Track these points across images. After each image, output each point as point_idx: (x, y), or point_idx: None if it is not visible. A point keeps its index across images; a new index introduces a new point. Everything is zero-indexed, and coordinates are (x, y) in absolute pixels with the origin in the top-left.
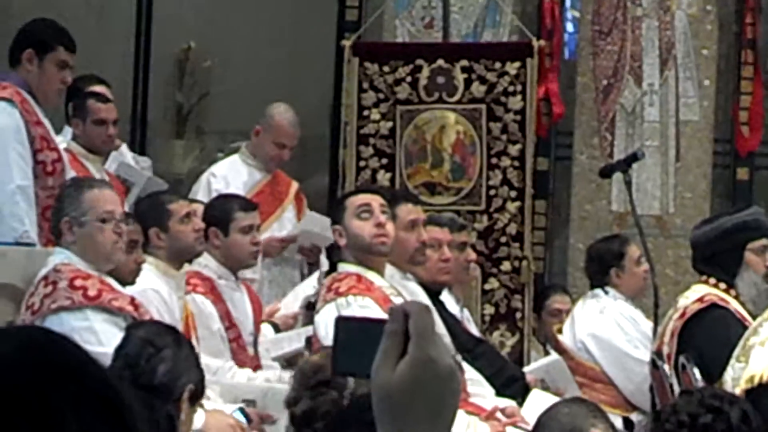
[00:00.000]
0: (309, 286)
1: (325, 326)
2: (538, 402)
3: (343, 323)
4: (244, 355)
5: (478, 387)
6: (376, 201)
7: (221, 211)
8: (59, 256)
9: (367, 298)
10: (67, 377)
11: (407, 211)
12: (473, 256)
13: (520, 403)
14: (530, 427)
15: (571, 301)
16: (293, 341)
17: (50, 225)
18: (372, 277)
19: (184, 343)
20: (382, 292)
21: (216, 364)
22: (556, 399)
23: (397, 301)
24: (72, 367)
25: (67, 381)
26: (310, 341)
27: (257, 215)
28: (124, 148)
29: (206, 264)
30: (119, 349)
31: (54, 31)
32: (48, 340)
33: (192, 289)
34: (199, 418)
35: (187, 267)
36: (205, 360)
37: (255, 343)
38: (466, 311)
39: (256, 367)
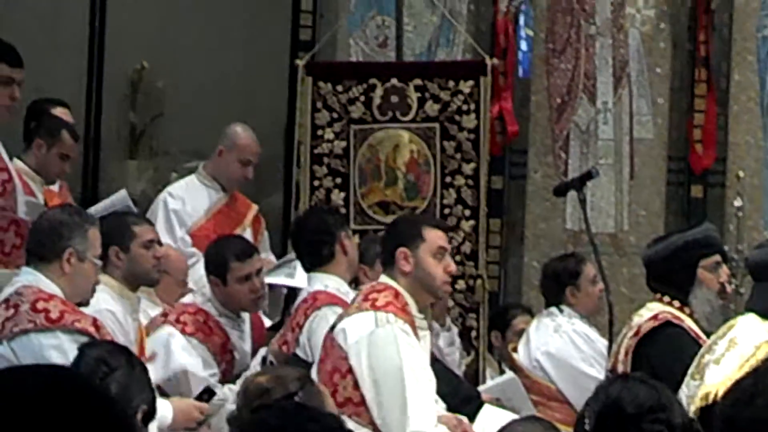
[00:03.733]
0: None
1: (356, 334)
2: (489, 418)
3: None
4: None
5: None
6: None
7: (217, 260)
8: (27, 277)
9: (406, 324)
10: (91, 416)
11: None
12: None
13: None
14: None
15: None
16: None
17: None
18: (407, 298)
19: (136, 363)
20: (411, 318)
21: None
22: (507, 414)
23: (422, 333)
24: (95, 406)
25: (92, 420)
26: (266, 360)
27: (255, 261)
28: None
29: (209, 300)
30: (73, 368)
31: None
32: (74, 381)
33: (190, 332)
34: (165, 407)
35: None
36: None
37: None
38: (455, 330)
39: None
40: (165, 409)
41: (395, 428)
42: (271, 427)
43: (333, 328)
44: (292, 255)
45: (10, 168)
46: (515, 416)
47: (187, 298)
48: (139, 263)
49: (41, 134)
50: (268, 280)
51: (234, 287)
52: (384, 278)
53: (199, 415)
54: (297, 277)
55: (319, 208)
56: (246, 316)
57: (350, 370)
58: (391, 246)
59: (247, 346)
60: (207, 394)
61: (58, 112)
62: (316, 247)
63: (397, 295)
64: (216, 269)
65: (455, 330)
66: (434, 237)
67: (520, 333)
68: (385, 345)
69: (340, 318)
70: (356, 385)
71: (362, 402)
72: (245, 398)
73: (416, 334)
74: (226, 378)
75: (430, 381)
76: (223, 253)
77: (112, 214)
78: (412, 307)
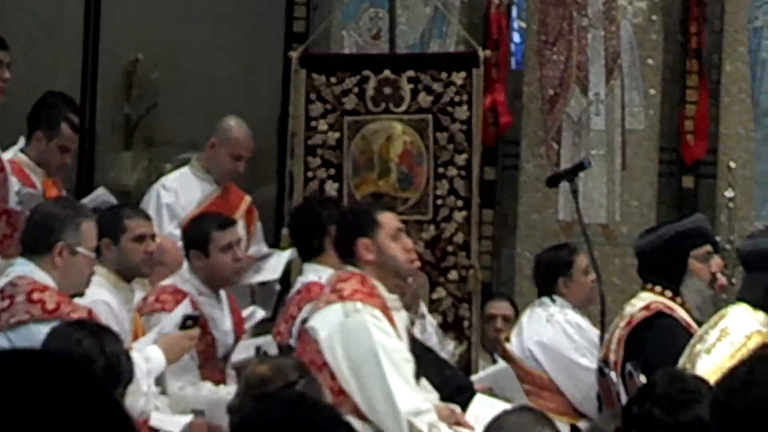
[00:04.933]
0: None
1: (328, 327)
2: (481, 406)
3: None
4: (213, 371)
5: (423, 393)
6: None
7: (198, 233)
8: (21, 268)
9: (376, 309)
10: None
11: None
12: None
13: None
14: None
15: (511, 306)
16: (243, 351)
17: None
18: (375, 282)
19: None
20: (382, 301)
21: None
22: (499, 403)
23: (396, 316)
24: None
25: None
26: (259, 350)
27: (236, 230)
28: None
29: (189, 279)
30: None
31: None
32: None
33: (161, 307)
34: (155, 352)
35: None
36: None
37: (227, 356)
38: (429, 317)
39: (222, 377)
40: (155, 354)
41: (384, 414)
42: (275, 419)
43: (305, 321)
44: (268, 250)
45: (1, 159)
46: (507, 406)
47: (167, 280)
48: (128, 257)
49: (41, 126)
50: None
51: (217, 257)
52: (347, 267)
53: (189, 342)
54: (264, 270)
55: (314, 200)
56: (224, 297)
57: (326, 363)
58: (349, 239)
59: (228, 325)
60: (190, 319)
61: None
62: (306, 239)
63: (363, 281)
64: (197, 242)
65: (429, 318)
66: (389, 220)
67: (488, 319)
68: (357, 334)
69: (312, 312)
70: (333, 377)
71: (341, 392)
72: (246, 388)
73: (390, 316)
74: (208, 359)
75: (407, 361)
76: (203, 225)
77: (110, 207)
78: (382, 290)
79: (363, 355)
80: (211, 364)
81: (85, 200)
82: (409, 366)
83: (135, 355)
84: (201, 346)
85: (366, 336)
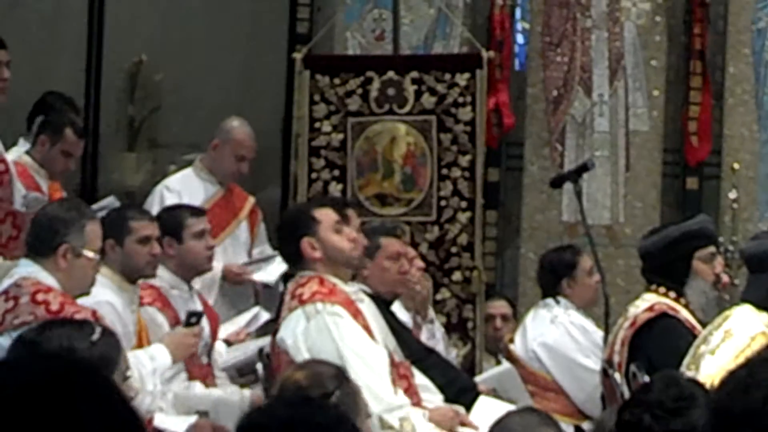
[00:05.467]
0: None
1: (293, 336)
2: (485, 407)
3: None
4: (196, 366)
5: (427, 393)
6: (349, 214)
7: (172, 220)
8: (26, 269)
9: (336, 306)
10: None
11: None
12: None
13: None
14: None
15: (510, 305)
16: (245, 352)
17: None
18: (334, 280)
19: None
20: (346, 296)
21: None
22: (503, 404)
23: (361, 306)
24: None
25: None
26: (262, 351)
27: (206, 220)
28: None
29: (159, 275)
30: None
31: None
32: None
33: (148, 302)
34: (160, 351)
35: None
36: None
37: (209, 354)
38: (437, 323)
39: (207, 376)
40: (160, 353)
41: None
42: (278, 419)
43: (275, 333)
44: (270, 251)
45: (6, 160)
46: (511, 407)
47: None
48: (132, 258)
49: (46, 131)
50: (226, 363)
51: (190, 244)
52: (303, 272)
53: (194, 339)
54: (265, 271)
55: (294, 208)
56: (195, 297)
57: None
58: (293, 242)
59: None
60: (194, 316)
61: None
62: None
63: (321, 281)
64: (172, 228)
65: (437, 323)
66: (326, 215)
67: (487, 318)
68: (320, 336)
69: (279, 322)
70: None
71: None
72: (280, 393)
73: (355, 309)
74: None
75: (377, 354)
76: (177, 213)
77: (116, 209)
78: (341, 284)
79: (328, 357)
80: (193, 361)
81: (95, 207)
82: (379, 358)
83: (140, 354)
84: None
85: (329, 339)
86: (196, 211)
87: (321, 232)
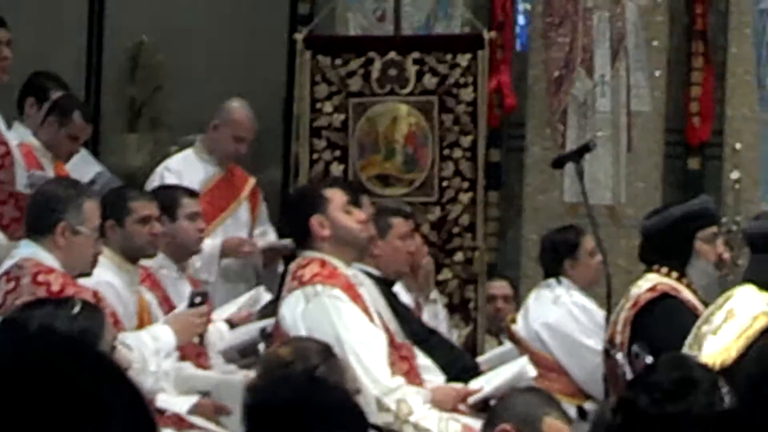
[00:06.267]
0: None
1: (292, 317)
2: (486, 377)
3: None
4: (189, 346)
5: (429, 374)
6: (363, 201)
7: (168, 198)
8: (26, 250)
9: (335, 288)
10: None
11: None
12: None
13: None
14: (482, 393)
15: (511, 286)
16: (247, 333)
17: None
18: (336, 263)
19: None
20: (346, 279)
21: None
22: (501, 373)
23: (361, 290)
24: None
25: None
26: (264, 332)
27: (199, 203)
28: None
29: None
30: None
31: None
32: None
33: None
34: (165, 332)
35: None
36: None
37: (202, 334)
38: (440, 304)
39: (199, 354)
40: (165, 334)
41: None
42: (282, 399)
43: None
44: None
45: (8, 141)
46: (510, 368)
47: None
48: (132, 239)
49: (54, 113)
50: (228, 344)
51: (183, 224)
52: (305, 253)
53: (199, 320)
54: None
55: (304, 186)
56: (185, 278)
57: None
58: (302, 219)
59: None
60: (198, 296)
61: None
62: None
63: (322, 263)
64: (167, 206)
65: (440, 304)
66: (336, 195)
67: (489, 298)
68: (319, 318)
69: (280, 303)
70: None
71: None
72: (265, 369)
73: (355, 293)
74: None
75: (375, 337)
76: (173, 191)
77: (115, 188)
78: (342, 267)
79: (326, 339)
80: None
81: (76, 171)
82: (378, 341)
83: (143, 334)
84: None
85: (327, 321)
86: (192, 193)
87: (331, 211)
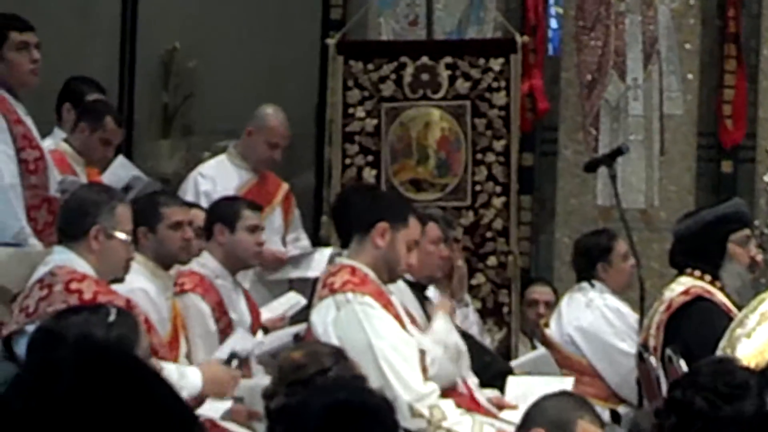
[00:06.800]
0: (281, 305)
1: (323, 324)
2: (516, 386)
3: None
4: None
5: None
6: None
7: (229, 209)
8: (60, 256)
9: (366, 296)
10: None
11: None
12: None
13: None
14: (517, 409)
15: (553, 291)
16: (281, 339)
17: (56, 221)
18: (367, 270)
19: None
20: (377, 287)
21: None
22: (533, 379)
23: (393, 298)
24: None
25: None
26: (298, 337)
27: (261, 217)
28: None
29: (204, 263)
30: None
31: None
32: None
33: (189, 288)
34: (194, 374)
35: (179, 267)
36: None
37: None
38: (472, 307)
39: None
40: (194, 376)
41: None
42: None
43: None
44: (307, 243)
45: (41, 147)
46: (541, 379)
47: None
48: (165, 244)
49: (85, 118)
50: (261, 350)
51: (242, 235)
52: (341, 260)
53: (230, 380)
54: (307, 267)
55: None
56: (240, 289)
57: None
58: (374, 216)
59: (245, 311)
60: (236, 359)
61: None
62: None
63: (353, 271)
64: (225, 216)
65: (472, 308)
66: (415, 228)
67: (531, 303)
68: (350, 326)
69: (313, 308)
70: None
71: None
72: (280, 374)
73: (387, 300)
74: (225, 337)
75: (407, 343)
76: (234, 203)
77: (146, 195)
78: (373, 275)
79: (358, 348)
80: None
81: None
82: (409, 348)
83: (171, 367)
84: (220, 326)
85: (359, 329)
86: (253, 206)
87: (401, 233)
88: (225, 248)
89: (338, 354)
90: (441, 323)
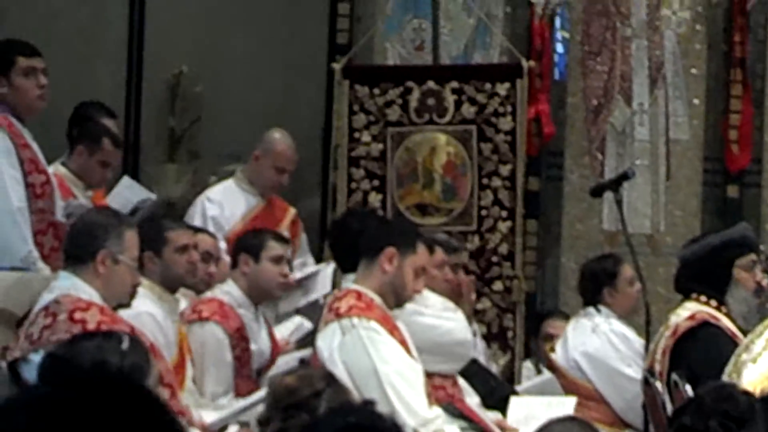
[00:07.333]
0: (286, 329)
1: (328, 349)
2: (519, 407)
3: None
4: (246, 382)
5: (466, 397)
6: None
7: (254, 239)
8: (65, 282)
9: (372, 321)
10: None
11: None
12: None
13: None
14: None
15: None
16: (287, 363)
17: (62, 245)
18: (373, 295)
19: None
20: (382, 312)
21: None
22: (535, 399)
23: (398, 324)
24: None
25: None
26: (303, 362)
27: (288, 248)
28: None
29: (228, 290)
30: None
31: (5, 46)
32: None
33: (207, 316)
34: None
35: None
36: (211, 389)
37: (260, 373)
38: (479, 335)
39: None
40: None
41: None
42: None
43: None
44: (312, 267)
45: (48, 171)
46: (543, 399)
47: (207, 294)
48: (170, 269)
49: (83, 141)
50: (300, 303)
51: (266, 266)
52: (346, 285)
53: None
54: (313, 290)
55: (349, 212)
56: (263, 317)
57: None
58: (382, 241)
59: (265, 341)
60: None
61: (111, 128)
62: (343, 251)
63: (359, 296)
64: (252, 247)
65: (478, 334)
66: (423, 256)
67: (546, 338)
68: (355, 351)
69: (318, 332)
70: None
71: None
72: (274, 399)
73: (392, 325)
74: (243, 366)
75: (412, 369)
76: (260, 234)
77: (150, 219)
78: (378, 300)
79: (364, 373)
80: (245, 372)
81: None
82: (415, 373)
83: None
84: (237, 352)
85: (364, 354)
86: (280, 238)
87: (409, 259)
88: (249, 278)
89: (330, 376)
90: None
